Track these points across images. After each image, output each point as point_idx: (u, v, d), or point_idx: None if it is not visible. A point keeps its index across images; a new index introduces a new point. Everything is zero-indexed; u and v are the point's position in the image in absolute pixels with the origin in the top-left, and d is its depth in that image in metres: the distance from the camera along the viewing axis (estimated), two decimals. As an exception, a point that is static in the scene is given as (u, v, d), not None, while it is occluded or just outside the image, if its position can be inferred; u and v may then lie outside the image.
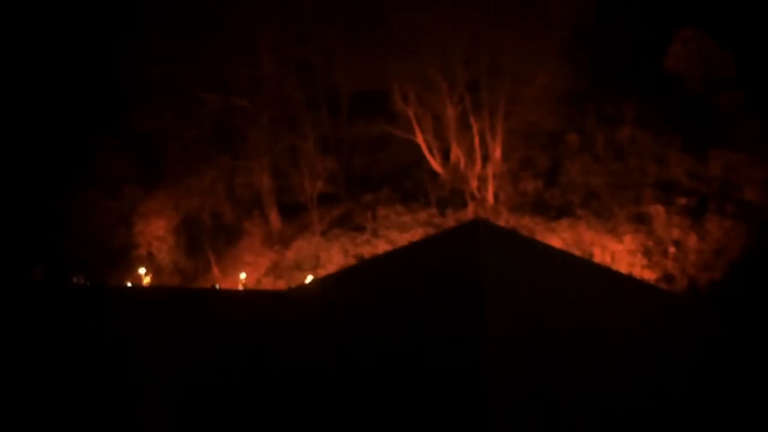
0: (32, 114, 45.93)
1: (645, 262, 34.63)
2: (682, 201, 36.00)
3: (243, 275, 41.40)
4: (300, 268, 40.94)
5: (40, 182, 45.47)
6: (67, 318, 18.18)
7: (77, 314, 18.75)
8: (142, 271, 43.93)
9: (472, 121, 41.37)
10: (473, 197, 40.63)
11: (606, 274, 18.04)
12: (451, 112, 42.10)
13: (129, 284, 43.48)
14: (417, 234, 37.82)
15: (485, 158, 41.53)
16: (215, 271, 44.53)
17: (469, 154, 41.97)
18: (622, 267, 33.74)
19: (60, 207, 46.00)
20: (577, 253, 33.04)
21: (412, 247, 17.85)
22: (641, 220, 35.91)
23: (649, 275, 33.87)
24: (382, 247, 38.75)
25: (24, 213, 44.57)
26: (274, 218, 45.98)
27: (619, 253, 35.21)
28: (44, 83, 46.14)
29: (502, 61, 40.21)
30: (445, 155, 43.49)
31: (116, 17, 44.03)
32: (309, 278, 39.11)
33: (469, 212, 39.52)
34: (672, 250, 34.69)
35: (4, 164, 44.54)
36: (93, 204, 46.86)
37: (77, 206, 46.37)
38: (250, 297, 28.41)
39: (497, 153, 41.42)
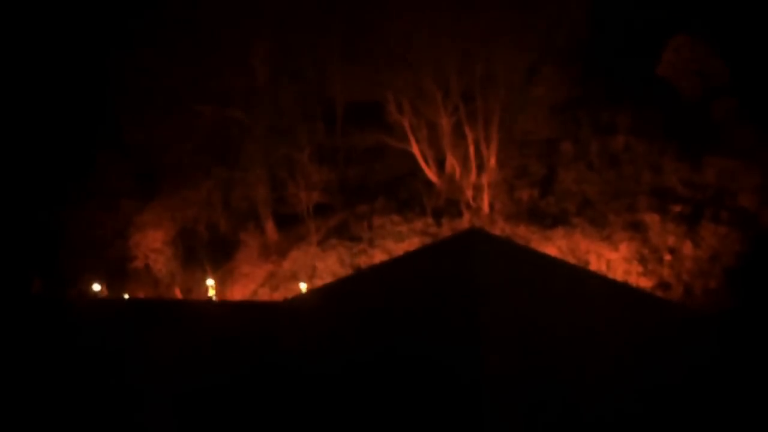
0: (27, 128, 45.95)
1: (640, 269, 34.64)
2: (677, 208, 36.02)
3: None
4: (296, 278, 40.92)
5: (37, 196, 45.46)
6: (64, 331, 18.18)
7: (75, 327, 18.76)
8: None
9: (467, 130, 41.42)
10: (468, 206, 40.64)
11: (601, 281, 18.12)
12: (445, 122, 42.16)
13: (126, 296, 43.49)
14: (413, 243, 37.79)
15: (480, 167, 41.57)
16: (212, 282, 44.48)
17: (464, 163, 42.01)
18: (618, 275, 33.77)
19: (57, 220, 45.98)
20: (572, 261, 33.10)
21: (409, 257, 17.91)
22: (636, 228, 35.93)
23: (645, 283, 33.89)
24: (378, 256, 38.74)
25: (21, 227, 44.55)
26: (270, 229, 45.96)
27: (615, 261, 35.22)
28: (39, 97, 46.16)
29: (496, 71, 40.30)
30: (440, 165, 43.51)
31: (111, 31, 44.07)
32: (303, 286, 38.90)
33: (465, 221, 39.51)
34: (667, 257, 34.72)
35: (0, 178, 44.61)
36: (89, 217, 46.82)
37: (74, 219, 46.33)
38: (247, 308, 28.43)
39: (492, 162, 41.45)
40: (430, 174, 43.26)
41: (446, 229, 39.07)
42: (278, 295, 39.63)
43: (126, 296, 43.91)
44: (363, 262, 39.53)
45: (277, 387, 11.90)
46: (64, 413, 13.74)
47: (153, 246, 46.08)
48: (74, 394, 14.23)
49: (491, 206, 40.29)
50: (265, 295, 41.00)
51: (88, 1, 45.79)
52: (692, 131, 38.73)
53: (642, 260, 34.88)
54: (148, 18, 42.96)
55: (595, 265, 35.01)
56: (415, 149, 43.08)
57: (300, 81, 45.11)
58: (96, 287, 42.92)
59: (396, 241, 40.01)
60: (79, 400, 13.91)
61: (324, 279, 38.52)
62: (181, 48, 42.53)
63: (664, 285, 33.94)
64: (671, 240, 35.05)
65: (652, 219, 35.89)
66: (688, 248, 34.54)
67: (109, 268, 45.64)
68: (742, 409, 11.14)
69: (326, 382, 11.51)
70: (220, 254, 45.96)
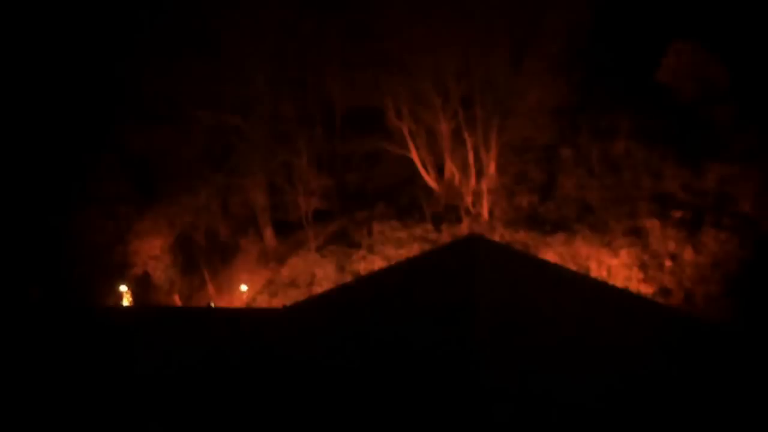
0: (27, 134, 45.92)
1: (641, 275, 34.58)
2: (678, 214, 35.95)
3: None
4: (295, 285, 40.85)
5: (36, 202, 45.41)
6: (63, 338, 18.12)
7: (73, 334, 18.69)
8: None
9: (466, 136, 41.37)
10: (468, 212, 40.59)
11: (601, 288, 18.02)
12: (445, 128, 42.13)
13: (125, 304, 43.44)
14: (412, 250, 37.76)
15: (480, 173, 41.53)
16: (210, 289, 44.45)
17: (464, 169, 41.97)
18: (618, 281, 33.69)
19: (55, 227, 45.92)
20: (572, 267, 32.97)
21: (408, 263, 17.83)
22: (637, 234, 35.87)
23: (646, 289, 33.82)
24: (377, 263, 38.68)
25: (19, 233, 44.48)
26: (269, 235, 45.93)
27: (615, 267, 35.15)
28: (38, 103, 46.14)
29: (496, 76, 40.26)
30: (440, 171, 43.48)
31: (111, 37, 44.08)
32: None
33: (464, 227, 39.45)
34: (668, 263, 34.65)
35: (-1, 184, 44.60)
36: (88, 224, 46.81)
37: (73, 226, 46.30)
38: (246, 315, 28.38)
39: (491, 168, 41.41)
40: (430, 180, 43.22)
41: (446, 236, 39.02)
42: (277, 302, 39.56)
43: (125, 303, 43.85)
44: (362, 268, 39.48)
45: (276, 394, 11.80)
46: (62, 420, 13.66)
47: (152, 253, 46.09)
48: (73, 400, 14.16)
49: (491, 212, 40.23)
50: (263, 301, 40.95)
51: (90, 9, 45.79)
52: (693, 137, 38.65)
53: (643, 266, 34.81)
54: (148, 25, 43.00)
55: (596, 271, 34.96)
56: (414, 155, 43.04)
57: (298, 87, 45.11)
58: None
59: (395, 247, 39.96)
60: (78, 407, 13.83)
61: (323, 286, 38.45)
62: (180, 55, 42.53)
63: (664, 291, 33.87)
64: (672, 246, 34.97)
65: (652, 225, 35.82)
66: (689, 254, 34.46)
67: (108, 275, 45.58)
68: (744, 416, 11.04)
69: (325, 389, 11.40)
70: (218, 261, 45.94)
